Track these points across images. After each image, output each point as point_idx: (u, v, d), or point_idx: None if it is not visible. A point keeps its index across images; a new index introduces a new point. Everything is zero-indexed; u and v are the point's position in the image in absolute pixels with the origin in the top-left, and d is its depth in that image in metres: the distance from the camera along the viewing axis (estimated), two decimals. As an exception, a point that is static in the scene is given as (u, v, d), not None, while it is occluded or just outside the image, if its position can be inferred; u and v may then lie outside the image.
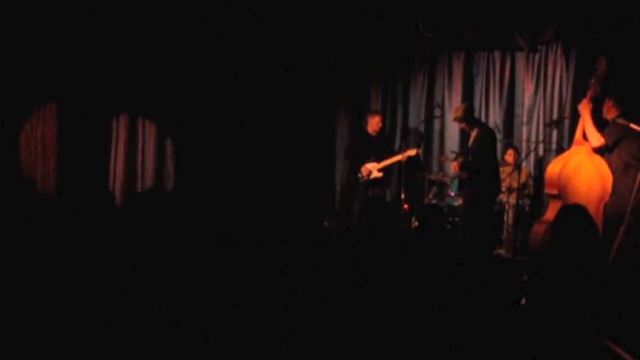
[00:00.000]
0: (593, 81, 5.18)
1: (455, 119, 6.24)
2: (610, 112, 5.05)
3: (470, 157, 6.00)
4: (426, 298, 2.87)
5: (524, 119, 7.43)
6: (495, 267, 5.22)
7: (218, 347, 2.59)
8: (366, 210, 3.52)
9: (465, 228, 6.00)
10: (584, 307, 2.73)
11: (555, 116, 6.94)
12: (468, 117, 6.11)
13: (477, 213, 5.89)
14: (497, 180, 6.11)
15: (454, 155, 6.72)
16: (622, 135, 4.86)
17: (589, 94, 5.18)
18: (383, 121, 7.38)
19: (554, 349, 2.58)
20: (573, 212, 3.24)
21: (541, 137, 7.19)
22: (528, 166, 7.24)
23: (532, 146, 7.11)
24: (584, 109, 5.13)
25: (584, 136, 5.14)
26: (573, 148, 5.29)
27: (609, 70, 5.16)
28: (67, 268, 3.01)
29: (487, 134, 6.10)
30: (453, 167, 6.43)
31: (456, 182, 7.03)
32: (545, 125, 7.05)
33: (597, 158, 5.06)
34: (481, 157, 5.90)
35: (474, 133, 6.06)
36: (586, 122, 5.08)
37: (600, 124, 5.11)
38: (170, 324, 2.65)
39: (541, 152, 7.18)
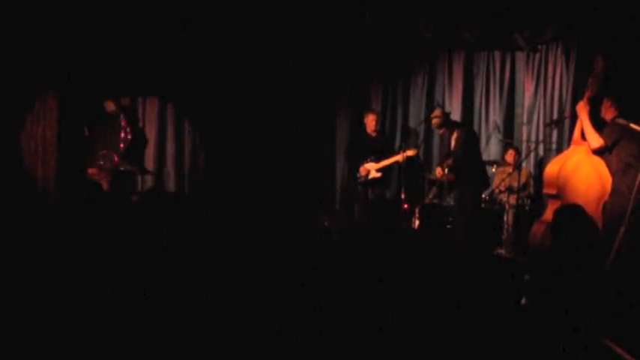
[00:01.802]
0: (590, 81, 5.17)
1: (434, 126, 6.35)
2: (608, 113, 5.04)
3: (455, 159, 6.08)
4: (426, 297, 2.87)
5: (524, 119, 7.43)
6: (495, 266, 5.21)
7: (217, 347, 2.59)
8: (370, 210, 3.53)
9: (460, 227, 6.06)
10: (585, 307, 2.73)
11: (555, 116, 6.94)
12: (446, 121, 6.23)
13: (470, 210, 6.02)
14: (485, 175, 6.33)
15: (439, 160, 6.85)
16: (621, 135, 4.85)
17: (587, 94, 5.17)
18: (378, 120, 7.39)
19: (555, 349, 2.58)
20: (570, 212, 3.24)
21: (541, 137, 7.18)
22: (528, 166, 7.23)
23: (532, 146, 7.11)
24: (582, 110, 5.12)
25: (583, 136, 5.13)
26: (572, 147, 5.29)
27: (607, 69, 5.15)
28: (67, 267, 3.01)
29: (468, 133, 6.32)
30: (437, 172, 6.47)
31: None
32: (545, 125, 7.04)
33: (596, 158, 5.05)
34: (467, 156, 6.02)
35: (455, 135, 6.18)
36: (584, 123, 5.06)
37: (599, 124, 5.10)
38: (170, 323, 2.65)
39: (541, 152, 7.18)
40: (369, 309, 2.78)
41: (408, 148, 7.10)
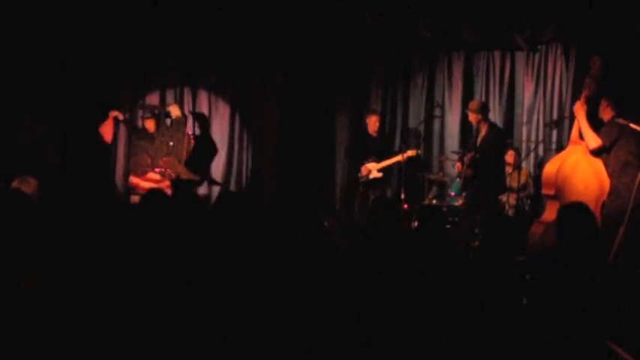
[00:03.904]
0: (587, 81, 5.15)
1: (470, 110, 6.16)
2: (606, 113, 5.01)
3: (479, 155, 5.96)
4: (426, 298, 2.87)
5: (524, 119, 7.44)
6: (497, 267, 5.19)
7: (219, 347, 2.59)
8: (370, 210, 3.53)
9: (464, 227, 6.00)
10: (585, 307, 2.73)
11: (555, 116, 6.95)
12: (484, 112, 6.11)
13: (483, 211, 5.95)
14: (503, 179, 6.18)
15: (456, 154, 6.74)
16: (619, 135, 4.85)
17: (583, 94, 5.15)
18: (381, 120, 7.37)
19: (555, 349, 2.58)
20: (576, 210, 3.23)
21: (541, 137, 7.20)
22: (528, 166, 7.24)
23: (532, 146, 7.11)
24: (579, 110, 5.09)
25: (580, 136, 5.12)
26: (569, 147, 5.26)
27: (604, 69, 5.13)
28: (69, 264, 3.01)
29: (500, 134, 6.16)
30: (457, 166, 6.40)
31: (457, 182, 6.98)
32: (545, 125, 7.05)
33: (593, 157, 5.03)
34: (491, 156, 5.92)
35: (483, 132, 6.04)
36: (582, 124, 5.03)
37: (597, 124, 5.08)
38: (169, 323, 2.65)
39: (541, 152, 7.19)
40: (369, 309, 2.79)
41: (408, 148, 7.10)
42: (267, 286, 2.88)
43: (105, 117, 6.97)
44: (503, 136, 6.24)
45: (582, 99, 5.13)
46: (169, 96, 7.86)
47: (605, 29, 6.07)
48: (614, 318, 2.69)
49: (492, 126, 6.16)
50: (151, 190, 3.78)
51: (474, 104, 6.19)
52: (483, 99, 7.73)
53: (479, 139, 6.05)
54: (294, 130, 8.06)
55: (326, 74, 8.01)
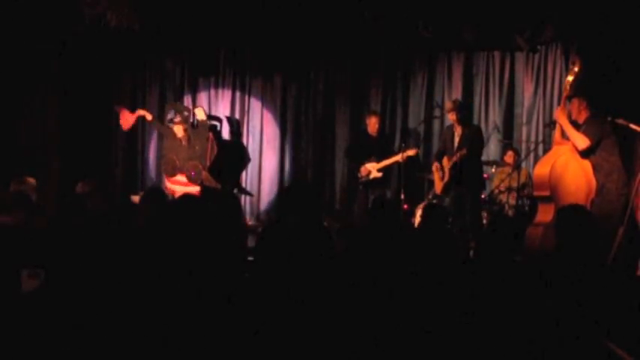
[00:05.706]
0: (568, 80, 5.13)
1: (449, 109, 6.26)
2: (581, 114, 4.99)
3: (461, 156, 6.01)
4: (426, 297, 2.87)
5: (524, 119, 7.45)
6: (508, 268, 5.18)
7: (214, 347, 2.59)
8: (370, 210, 3.53)
9: (459, 228, 6.04)
10: (585, 307, 2.73)
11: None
12: (462, 111, 6.19)
13: (471, 212, 6.00)
14: (482, 177, 6.43)
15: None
16: (601, 135, 4.84)
17: (564, 95, 5.13)
18: (380, 121, 7.35)
19: (555, 349, 2.58)
20: (574, 211, 3.23)
21: (541, 137, 7.21)
22: (528, 166, 7.24)
23: (532, 146, 7.12)
24: (561, 115, 5.07)
25: (563, 135, 5.10)
26: (555, 148, 5.24)
27: (585, 68, 5.10)
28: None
29: (479, 131, 6.33)
30: (434, 167, 6.42)
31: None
32: (545, 125, 7.06)
33: (580, 157, 5.02)
34: (474, 153, 5.99)
35: (459, 130, 6.15)
36: (566, 128, 4.99)
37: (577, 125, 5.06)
38: (167, 323, 2.65)
39: (541, 152, 7.19)
40: (369, 309, 2.79)
41: (408, 147, 7.10)
42: (266, 286, 2.88)
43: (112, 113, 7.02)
44: (482, 133, 6.45)
45: (563, 102, 5.11)
46: (169, 96, 7.88)
47: (604, 29, 6.06)
48: (614, 318, 2.69)
49: (471, 124, 6.35)
50: (151, 190, 3.78)
51: (448, 105, 6.38)
52: (483, 99, 7.76)
53: (456, 139, 6.11)
54: (293, 129, 8.06)
55: (325, 74, 8.02)
